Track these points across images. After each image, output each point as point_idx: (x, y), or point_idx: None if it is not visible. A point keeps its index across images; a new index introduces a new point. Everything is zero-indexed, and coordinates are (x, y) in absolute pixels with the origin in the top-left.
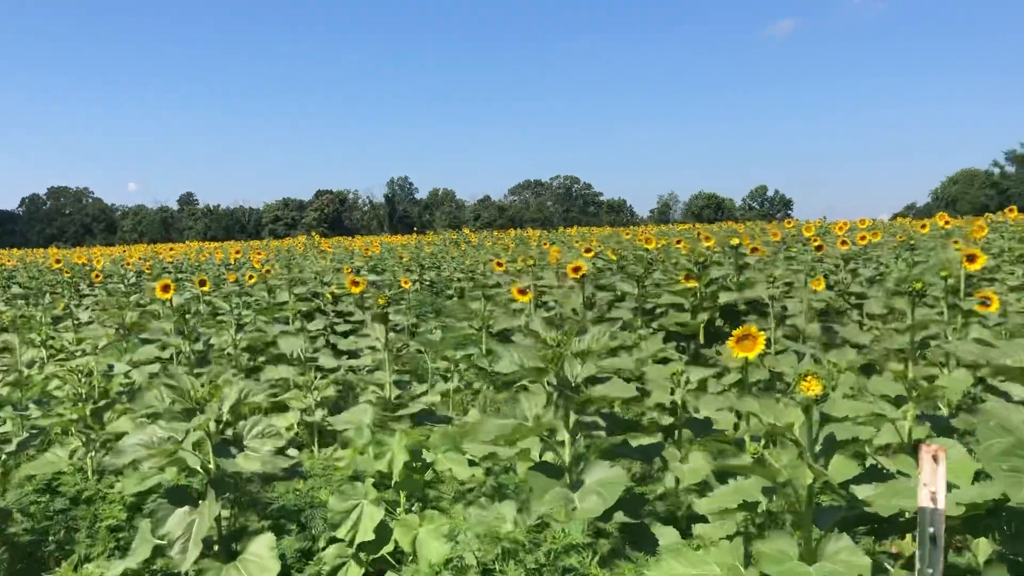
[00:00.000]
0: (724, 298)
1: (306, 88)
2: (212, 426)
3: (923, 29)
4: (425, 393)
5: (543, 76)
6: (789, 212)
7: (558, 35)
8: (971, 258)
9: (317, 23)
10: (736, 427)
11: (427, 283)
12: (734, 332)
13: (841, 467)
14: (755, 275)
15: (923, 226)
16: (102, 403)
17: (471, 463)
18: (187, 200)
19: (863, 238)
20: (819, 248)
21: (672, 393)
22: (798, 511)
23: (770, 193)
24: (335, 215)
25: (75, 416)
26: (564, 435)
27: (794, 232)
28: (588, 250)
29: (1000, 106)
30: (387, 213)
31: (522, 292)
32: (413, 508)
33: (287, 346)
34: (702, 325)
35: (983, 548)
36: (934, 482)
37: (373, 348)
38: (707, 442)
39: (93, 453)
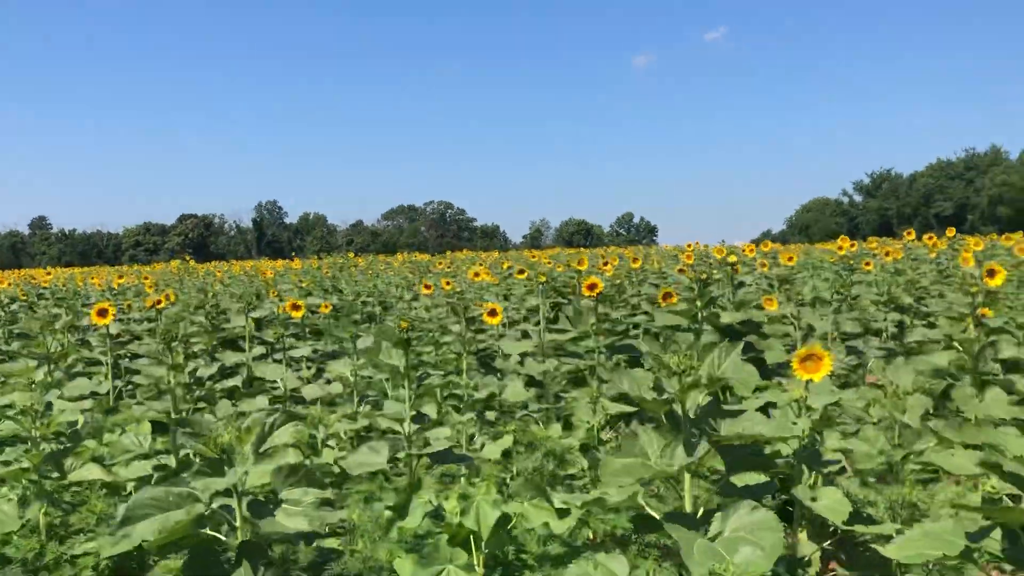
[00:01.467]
0: (727, 318)
1: (169, 108)
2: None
3: (775, 64)
4: (433, 426)
5: (417, 100)
6: (654, 238)
7: (432, 59)
8: (992, 273)
9: (176, 40)
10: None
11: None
12: (798, 352)
13: None
14: (750, 295)
15: (840, 248)
16: (61, 447)
17: (561, 512)
18: (39, 224)
19: (790, 259)
20: (764, 267)
21: (795, 423)
22: None
23: (636, 220)
24: (200, 240)
25: (27, 464)
26: (685, 476)
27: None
28: (521, 271)
29: (850, 138)
30: (255, 238)
31: (492, 314)
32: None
33: (271, 374)
34: None
35: None
36: None
37: (342, 377)
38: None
39: (46, 507)
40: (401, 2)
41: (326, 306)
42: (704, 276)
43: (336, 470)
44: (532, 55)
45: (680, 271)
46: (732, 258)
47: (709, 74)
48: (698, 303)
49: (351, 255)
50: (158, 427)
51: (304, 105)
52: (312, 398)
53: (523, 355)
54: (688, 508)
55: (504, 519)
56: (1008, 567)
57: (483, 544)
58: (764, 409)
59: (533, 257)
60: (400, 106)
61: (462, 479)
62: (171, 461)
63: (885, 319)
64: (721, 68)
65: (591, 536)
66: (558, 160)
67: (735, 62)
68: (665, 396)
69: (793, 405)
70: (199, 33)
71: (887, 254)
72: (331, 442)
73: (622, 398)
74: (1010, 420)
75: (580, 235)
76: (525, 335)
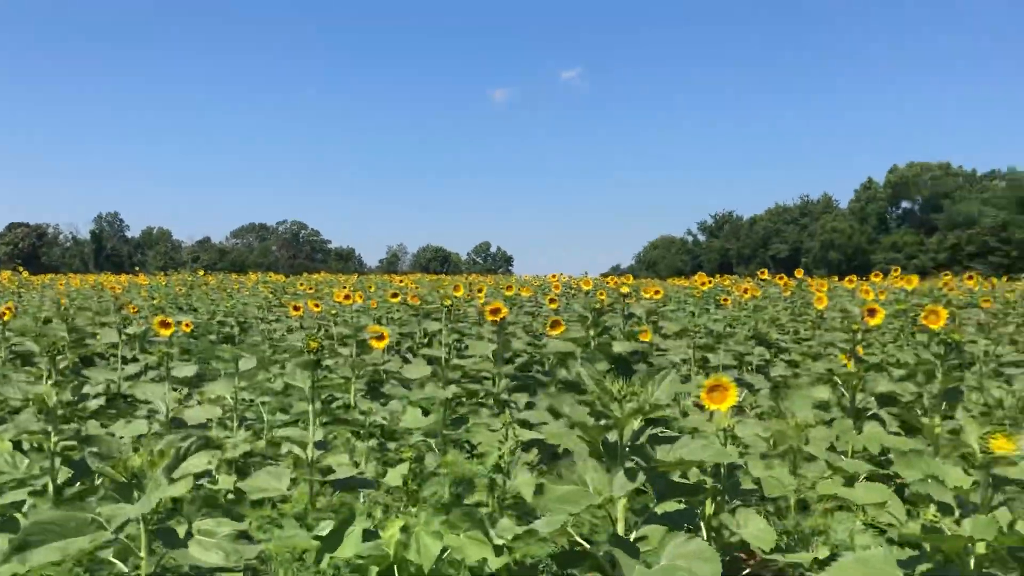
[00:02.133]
0: (618, 347)
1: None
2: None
3: (627, 105)
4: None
5: (271, 119)
6: (510, 267)
7: (284, 79)
8: (872, 312)
9: (12, 42)
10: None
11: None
12: (704, 382)
13: None
14: (642, 324)
15: (703, 284)
16: None
17: (498, 549)
18: None
19: (657, 292)
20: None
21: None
22: None
23: (493, 249)
24: (31, 250)
25: None
26: (620, 503)
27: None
28: (395, 295)
29: (695, 179)
30: (93, 251)
31: (379, 338)
32: None
33: (151, 395)
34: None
35: None
36: None
37: (220, 400)
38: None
39: None
40: (261, 23)
41: (188, 325)
42: (599, 306)
43: (231, 496)
44: (391, 81)
45: (551, 301)
46: (624, 289)
47: (565, 111)
48: (591, 331)
49: (200, 272)
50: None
51: (150, 114)
52: (195, 422)
53: (423, 380)
54: (621, 533)
55: (443, 552)
56: None
57: None
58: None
59: (399, 282)
60: (254, 123)
61: (376, 507)
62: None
63: (751, 353)
64: (576, 106)
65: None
66: (415, 187)
67: (589, 101)
68: (604, 422)
69: (720, 433)
70: (34, 33)
71: (745, 291)
72: (223, 468)
73: (529, 425)
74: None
75: (437, 262)
76: (431, 361)
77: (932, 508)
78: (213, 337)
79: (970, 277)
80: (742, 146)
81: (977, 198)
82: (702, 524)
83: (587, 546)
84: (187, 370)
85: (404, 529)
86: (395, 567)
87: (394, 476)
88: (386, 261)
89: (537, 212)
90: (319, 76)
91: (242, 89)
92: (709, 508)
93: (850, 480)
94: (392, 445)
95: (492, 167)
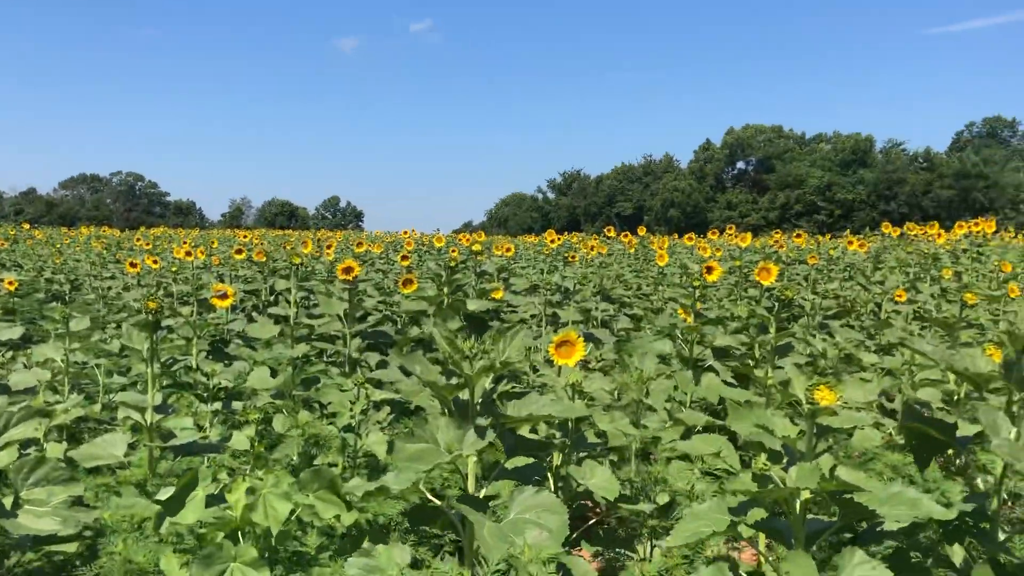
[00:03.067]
0: (472, 305)
1: None
2: None
3: (476, 60)
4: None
5: (102, 59)
6: (360, 223)
7: (116, 19)
8: (710, 269)
9: None
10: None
11: None
12: (553, 338)
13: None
14: (494, 282)
15: (552, 241)
16: None
17: (350, 505)
18: None
19: (509, 250)
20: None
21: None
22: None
23: (342, 204)
24: None
25: None
26: (470, 460)
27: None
28: (239, 251)
29: (546, 137)
30: None
31: (222, 297)
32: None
33: None
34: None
35: None
36: None
37: (50, 363)
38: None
39: None
40: None
41: (11, 282)
42: (452, 264)
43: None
44: (232, 25)
45: (403, 258)
46: (476, 247)
47: (415, 64)
48: (444, 289)
49: (25, 226)
50: None
51: None
52: (21, 387)
53: (271, 340)
54: (472, 490)
55: (292, 513)
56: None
57: (272, 540)
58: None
59: (244, 237)
60: (85, 65)
61: (221, 471)
62: None
63: (597, 308)
64: (427, 59)
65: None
66: (259, 139)
67: (441, 55)
68: (455, 381)
69: (568, 388)
70: None
71: (592, 248)
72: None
73: (380, 384)
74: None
75: (284, 216)
76: (278, 320)
77: (762, 457)
78: (41, 296)
79: (798, 235)
80: (590, 105)
81: (805, 160)
82: (550, 477)
83: (438, 503)
84: (11, 332)
85: (251, 491)
86: (241, 531)
87: (240, 439)
88: (229, 215)
89: (388, 167)
90: (156, 18)
91: (75, 28)
92: (557, 460)
93: (689, 430)
94: (238, 407)
95: (340, 120)
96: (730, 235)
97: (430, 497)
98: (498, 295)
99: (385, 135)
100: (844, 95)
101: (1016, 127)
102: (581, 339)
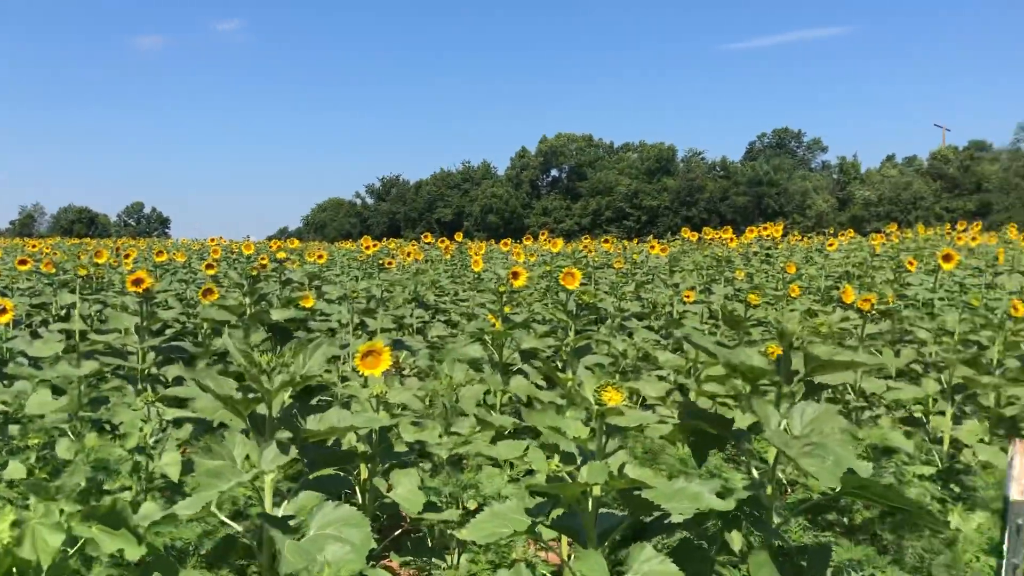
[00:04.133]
0: (276, 315)
1: None
2: None
3: (291, 63)
4: None
5: None
6: (167, 230)
7: None
8: (516, 275)
9: None
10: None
11: None
12: (359, 348)
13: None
14: (301, 291)
15: (368, 247)
16: None
17: (140, 538)
18: None
19: (321, 256)
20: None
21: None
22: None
23: (147, 210)
24: None
25: None
26: (266, 477)
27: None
28: (23, 261)
29: (364, 142)
30: None
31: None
32: None
33: None
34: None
35: None
36: None
37: None
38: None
39: None
40: None
41: None
42: (255, 272)
43: None
44: (23, 16)
45: (208, 267)
46: (282, 254)
47: (225, 65)
48: (247, 299)
49: None
50: None
51: None
52: None
53: (56, 357)
54: (269, 509)
55: (69, 545)
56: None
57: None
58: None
59: (33, 246)
60: None
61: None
62: None
63: (411, 315)
64: (238, 60)
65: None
66: (54, 141)
67: (252, 57)
68: (252, 395)
69: (372, 400)
70: None
71: (408, 254)
72: None
73: (183, 401)
74: (547, 404)
75: (83, 224)
76: (68, 335)
77: (556, 458)
78: None
79: (606, 240)
80: (409, 110)
81: (614, 168)
82: (359, 490)
83: (234, 525)
84: None
85: (16, 524)
86: (8, 570)
87: (16, 467)
88: (19, 223)
89: (198, 172)
90: None
91: None
92: (364, 473)
93: (499, 434)
94: (15, 432)
95: (144, 122)
96: (544, 241)
97: (224, 519)
98: (308, 303)
99: (194, 138)
100: (649, 106)
101: (801, 138)
102: (388, 348)
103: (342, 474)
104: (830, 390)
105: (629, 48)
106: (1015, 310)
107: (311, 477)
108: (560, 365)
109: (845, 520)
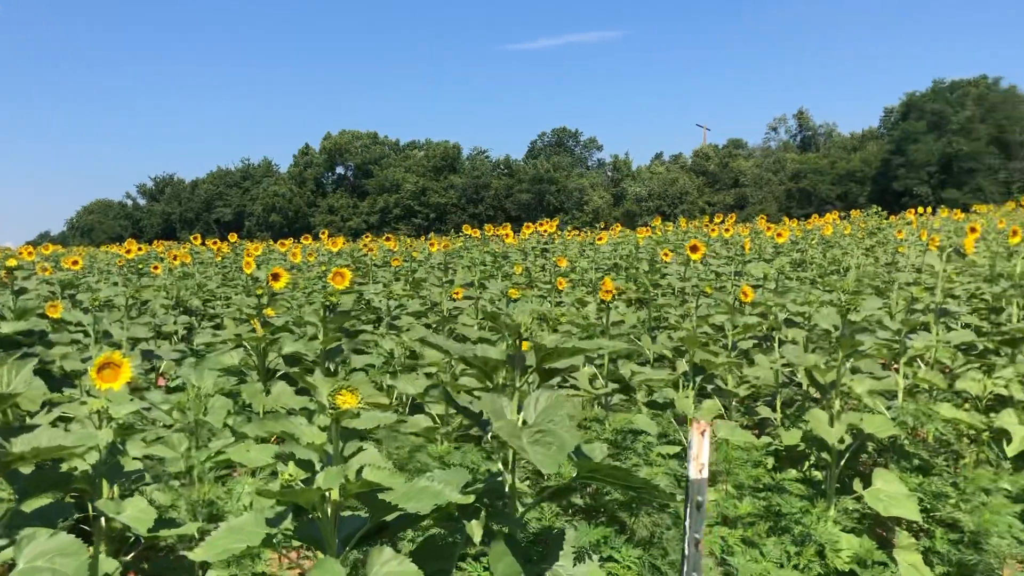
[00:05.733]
0: (6, 328)
1: None
2: None
3: (49, 56)
4: None
5: None
6: None
7: None
8: (276, 276)
9: None
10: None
11: None
12: (96, 360)
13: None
14: (31, 302)
15: (129, 251)
16: None
17: None
18: None
19: (76, 263)
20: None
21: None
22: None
23: None
24: None
25: None
26: None
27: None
28: None
29: (136, 140)
30: None
31: None
32: None
33: None
34: None
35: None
36: (702, 455)
37: None
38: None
39: None
40: None
41: None
42: None
43: None
44: None
45: None
46: (11, 262)
47: None
48: None
49: None
50: None
51: None
52: None
53: None
54: None
55: None
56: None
57: None
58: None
59: None
60: None
61: None
62: None
63: (175, 322)
64: None
65: None
66: None
67: (7, 45)
68: None
69: (94, 416)
70: None
71: (175, 258)
72: None
73: None
74: (299, 410)
75: None
76: None
77: (290, 465)
78: None
79: (387, 239)
80: (180, 107)
81: (401, 166)
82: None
83: None
84: None
85: None
86: None
87: None
88: None
89: None
90: None
91: None
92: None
93: (259, 442)
94: None
95: None
96: (325, 240)
97: None
98: (55, 313)
99: None
100: (434, 105)
101: (579, 137)
102: (128, 360)
103: (70, 500)
104: (575, 377)
105: (413, 46)
106: (744, 296)
107: (25, 507)
108: (332, 368)
109: (593, 502)
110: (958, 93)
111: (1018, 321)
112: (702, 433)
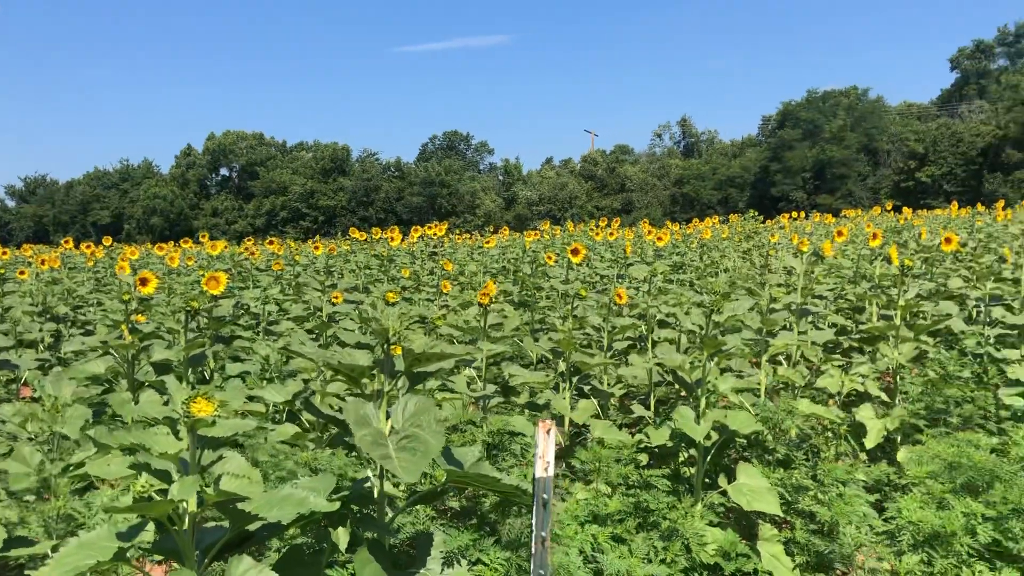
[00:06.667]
0: None
1: None
2: None
3: None
4: None
5: None
6: None
7: None
8: (144, 281)
9: None
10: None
11: None
12: None
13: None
14: None
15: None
16: None
17: None
18: None
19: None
20: None
21: None
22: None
23: None
24: None
25: None
26: None
27: None
28: None
29: (3, 138)
30: None
31: None
32: None
33: None
34: None
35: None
36: (547, 453)
37: None
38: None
39: None
40: None
41: None
42: None
43: None
44: None
45: None
46: None
47: None
48: None
49: None
50: None
51: None
52: None
53: None
54: None
55: None
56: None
57: None
58: None
59: None
60: None
61: None
62: None
63: (41, 330)
64: None
65: None
66: None
67: None
68: None
69: None
70: None
71: (43, 262)
72: None
73: None
74: (163, 420)
75: None
76: None
77: (144, 476)
78: None
79: (271, 242)
80: (57, 103)
81: (288, 167)
82: None
83: None
84: None
85: None
86: None
87: None
88: None
89: None
90: None
91: None
92: None
93: (129, 453)
94: None
95: None
96: (206, 243)
97: None
98: None
99: None
100: (322, 107)
101: (470, 141)
102: None
103: None
104: (453, 381)
105: (301, 46)
106: (619, 298)
107: None
108: (209, 375)
109: (470, 504)
110: (831, 103)
111: (876, 320)
112: (547, 432)
